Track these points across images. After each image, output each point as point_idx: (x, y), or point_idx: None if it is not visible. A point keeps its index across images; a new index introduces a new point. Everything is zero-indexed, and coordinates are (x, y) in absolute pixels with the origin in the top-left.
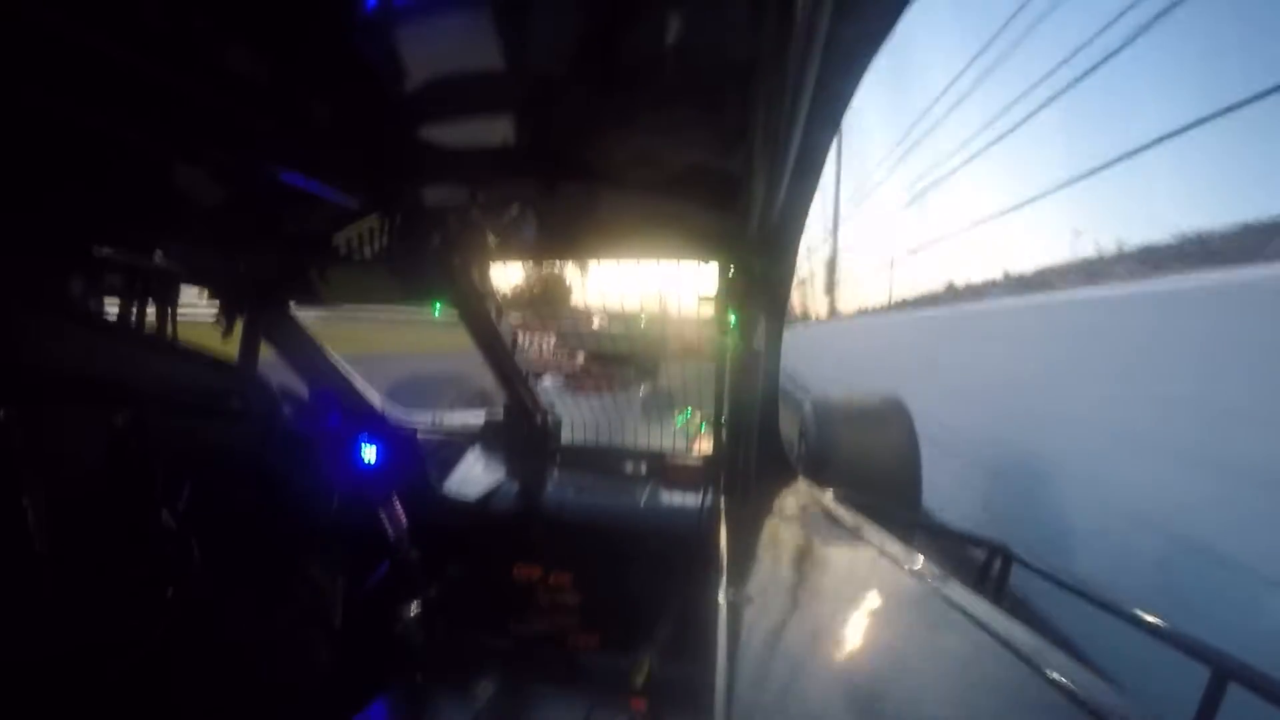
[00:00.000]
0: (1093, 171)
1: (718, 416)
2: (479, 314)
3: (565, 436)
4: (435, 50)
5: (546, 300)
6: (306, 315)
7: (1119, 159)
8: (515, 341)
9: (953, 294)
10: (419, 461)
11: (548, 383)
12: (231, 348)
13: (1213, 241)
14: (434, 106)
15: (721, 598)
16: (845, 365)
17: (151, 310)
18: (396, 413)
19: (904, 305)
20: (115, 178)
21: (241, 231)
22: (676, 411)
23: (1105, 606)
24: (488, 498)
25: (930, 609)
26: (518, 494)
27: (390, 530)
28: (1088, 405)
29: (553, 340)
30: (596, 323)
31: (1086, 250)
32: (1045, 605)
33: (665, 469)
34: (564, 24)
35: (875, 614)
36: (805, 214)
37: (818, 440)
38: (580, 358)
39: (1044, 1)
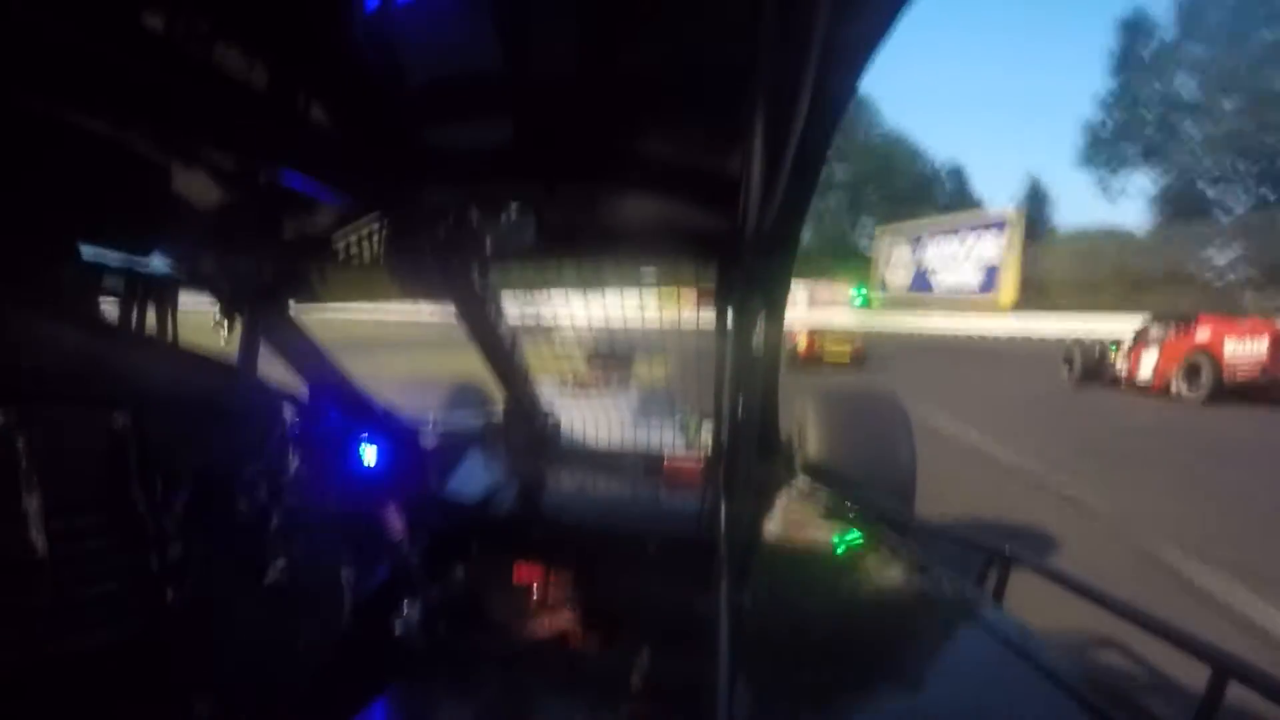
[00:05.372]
0: None
1: (718, 417)
2: (478, 315)
3: (565, 436)
4: (435, 50)
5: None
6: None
7: None
8: (515, 342)
9: None
10: (419, 462)
11: (548, 383)
12: (231, 348)
13: None
14: (433, 107)
15: (722, 598)
16: None
17: (151, 311)
18: (396, 414)
19: None
20: (114, 179)
21: (241, 232)
22: (676, 412)
23: (1106, 606)
24: (488, 498)
25: (930, 610)
26: (518, 495)
27: (390, 531)
28: None
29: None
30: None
31: None
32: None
33: (665, 469)
34: (564, 24)
35: (875, 614)
36: (804, 215)
37: (813, 437)
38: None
39: None
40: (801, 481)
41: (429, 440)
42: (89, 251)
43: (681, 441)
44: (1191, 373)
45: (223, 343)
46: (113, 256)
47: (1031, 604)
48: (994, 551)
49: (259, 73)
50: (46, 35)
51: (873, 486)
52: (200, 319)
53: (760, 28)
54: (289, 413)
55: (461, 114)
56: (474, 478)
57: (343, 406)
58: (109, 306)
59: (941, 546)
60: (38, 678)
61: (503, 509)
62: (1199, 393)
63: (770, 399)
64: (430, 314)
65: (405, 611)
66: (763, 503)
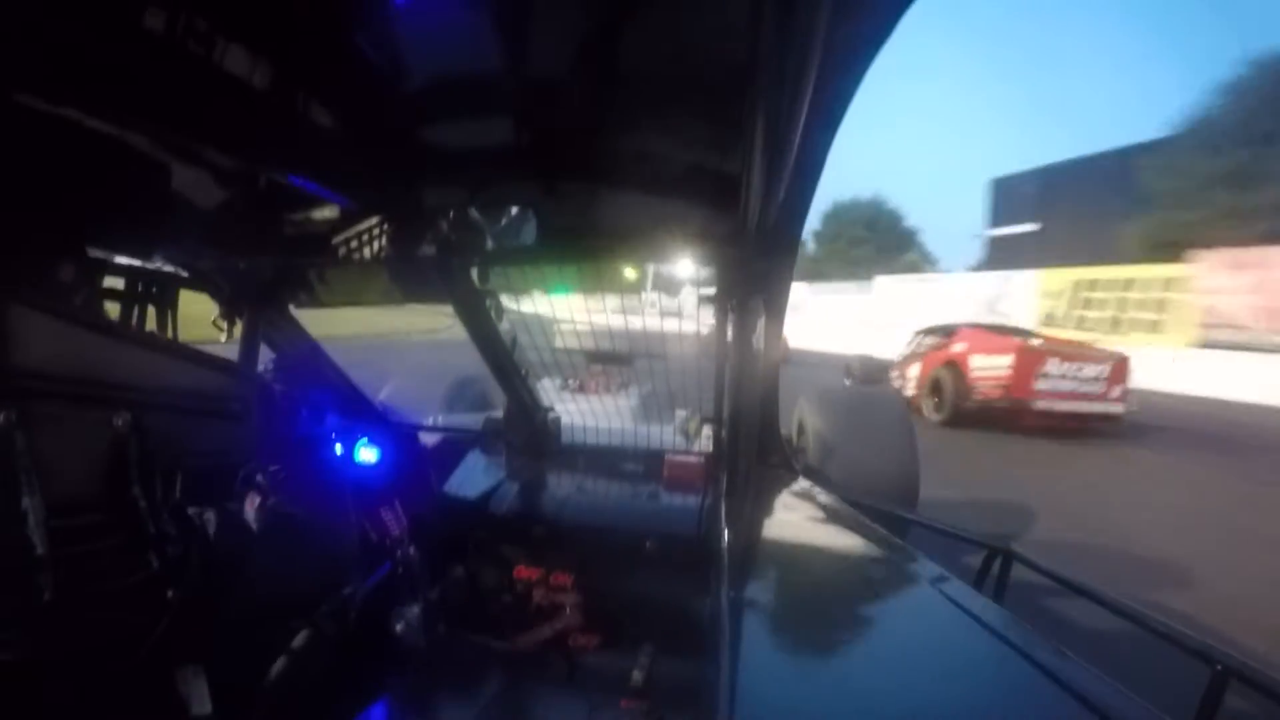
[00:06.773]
0: None
1: (718, 416)
2: (479, 315)
3: (565, 436)
4: (435, 51)
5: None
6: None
7: None
8: (515, 341)
9: None
10: (419, 462)
11: (548, 383)
12: (231, 349)
13: None
14: (434, 107)
15: (722, 598)
16: None
17: (151, 311)
18: (396, 413)
19: None
20: (115, 178)
21: (241, 233)
22: (676, 411)
23: (1107, 606)
24: (488, 498)
25: (931, 608)
26: (518, 494)
27: (390, 531)
28: None
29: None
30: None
31: None
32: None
33: (665, 469)
34: (564, 24)
35: (876, 613)
36: (805, 213)
37: (813, 437)
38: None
39: None
40: (801, 481)
41: (429, 440)
42: (89, 251)
43: (681, 441)
44: (935, 389)
45: (222, 343)
46: (113, 256)
47: None
48: (995, 548)
49: (259, 73)
50: (47, 35)
51: (873, 486)
52: (200, 319)
53: (760, 28)
54: (288, 412)
55: (461, 114)
56: (474, 478)
57: (342, 406)
58: (109, 306)
59: (941, 544)
60: (38, 678)
61: (503, 509)
62: (942, 414)
63: (770, 399)
64: (431, 314)
65: (405, 611)
66: (763, 503)
